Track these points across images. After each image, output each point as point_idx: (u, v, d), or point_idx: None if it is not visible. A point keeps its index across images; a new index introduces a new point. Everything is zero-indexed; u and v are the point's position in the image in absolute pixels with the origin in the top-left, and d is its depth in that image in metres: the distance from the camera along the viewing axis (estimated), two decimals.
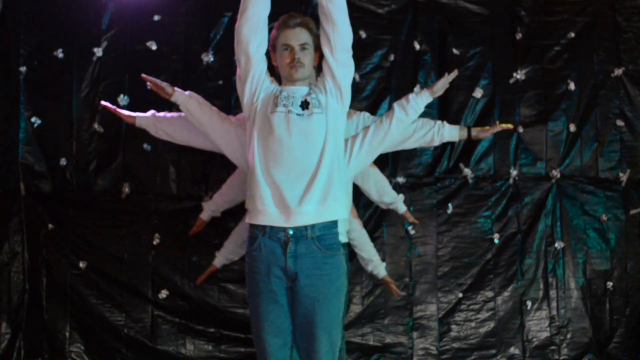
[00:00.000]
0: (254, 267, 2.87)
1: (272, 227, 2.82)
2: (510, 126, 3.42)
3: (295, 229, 2.80)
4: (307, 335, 2.82)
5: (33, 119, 4.15)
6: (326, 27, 2.89)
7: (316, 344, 2.80)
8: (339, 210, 2.87)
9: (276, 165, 2.84)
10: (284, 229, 2.80)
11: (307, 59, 2.95)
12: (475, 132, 3.39)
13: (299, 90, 2.95)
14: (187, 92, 3.07)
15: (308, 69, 2.97)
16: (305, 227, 2.80)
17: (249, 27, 2.95)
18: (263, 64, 2.98)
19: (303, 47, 2.94)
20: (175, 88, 3.07)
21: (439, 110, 4.24)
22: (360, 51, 4.19)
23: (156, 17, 4.15)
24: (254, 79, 2.96)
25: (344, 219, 3.14)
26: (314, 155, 2.85)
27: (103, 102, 3.44)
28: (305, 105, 2.90)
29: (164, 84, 3.10)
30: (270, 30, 3.01)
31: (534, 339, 4.19)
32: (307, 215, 2.81)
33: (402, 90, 4.22)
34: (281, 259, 2.81)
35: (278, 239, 2.81)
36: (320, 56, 2.99)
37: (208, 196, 4.10)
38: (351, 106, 4.00)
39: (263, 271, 2.84)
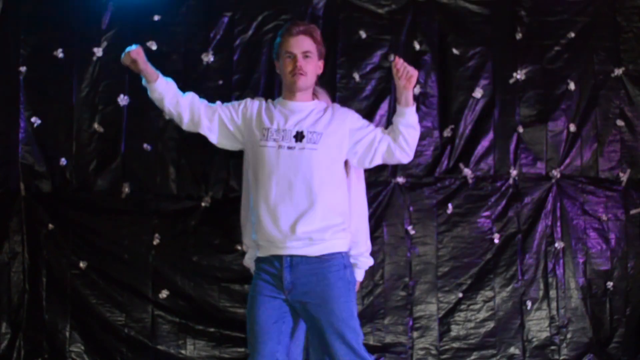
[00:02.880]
0: (256, 272, 2.91)
1: None
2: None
3: None
4: (322, 343, 2.84)
5: (33, 119, 4.14)
6: (395, 150, 2.98)
7: (331, 350, 2.81)
8: (329, 246, 2.85)
9: (265, 200, 2.85)
10: None
11: (310, 67, 2.93)
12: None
13: (299, 111, 2.92)
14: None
15: (310, 78, 2.94)
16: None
17: (186, 117, 3.01)
18: (218, 112, 3.03)
19: (305, 54, 2.92)
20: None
21: (439, 110, 4.24)
22: (360, 51, 4.21)
23: (156, 17, 4.15)
24: (231, 123, 3.00)
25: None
26: (302, 191, 2.83)
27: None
28: (299, 137, 2.88)
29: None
30: (274, 38, 3.00)
31: (534, 339, 4.19)
32: (294, 249, 2.82)
33: None
34: (277, 269, 2.83)
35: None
36: (324, 65, 2.99)
37: (208, 196, 4.11)
38: (351, 106, 4.02)
39: (262, 277, 2.87)
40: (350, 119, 3.00)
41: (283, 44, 2.95)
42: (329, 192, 2.86)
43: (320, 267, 2.82)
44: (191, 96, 3.04)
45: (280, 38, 2.98)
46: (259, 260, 2.93)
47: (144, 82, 3.01)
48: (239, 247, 3.99)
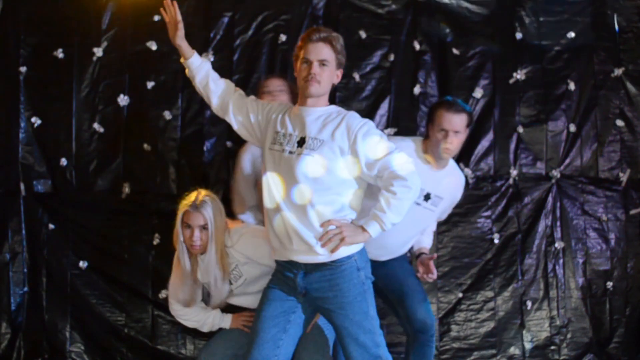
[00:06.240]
0: (277, 267, 2.95)
1: None
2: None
3: None
4: (341, 345, 2.87)
5: (33, 119, 4.15)
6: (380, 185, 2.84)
7: (347, 351, 2.84)
8: (337, 252, 2.81)
9: (269, 204, 2.85)
10: None
11: (325, 75, 2.85)
12: None
13: (307, 116, 2.88)
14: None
15: (324, 86, 2.86)
16: None
17: (215, 102, 3.01)
18: (247, 106, 3.00)
19: (322, 63, 2.84)
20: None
21: None
22: (360, 51, 4.21)
23: (156, 17, 4.14)
24: (257, 120, 2.99)
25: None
26: (299, 197, 2.79)
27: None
28: (301, 143, 2.85)
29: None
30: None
31: (534, 339, 4.19)
32: (298, 254, 2.82)
33: (402, 90, 4.23)
34: (292, 273, 2.85)
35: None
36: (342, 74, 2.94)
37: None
38: (351, 106, 4.02)
39: (278, 275, 2.90)
40: (365, 150, 2.82)
41: (301, 49, 2.90)
42: (328, 198, 2.82)
43: (332, 273, 2.81)
44: (226, 84, 3.04)
45: (301, 42, 2.94)
46: (276, 261, 2.95)
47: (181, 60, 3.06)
48: None
